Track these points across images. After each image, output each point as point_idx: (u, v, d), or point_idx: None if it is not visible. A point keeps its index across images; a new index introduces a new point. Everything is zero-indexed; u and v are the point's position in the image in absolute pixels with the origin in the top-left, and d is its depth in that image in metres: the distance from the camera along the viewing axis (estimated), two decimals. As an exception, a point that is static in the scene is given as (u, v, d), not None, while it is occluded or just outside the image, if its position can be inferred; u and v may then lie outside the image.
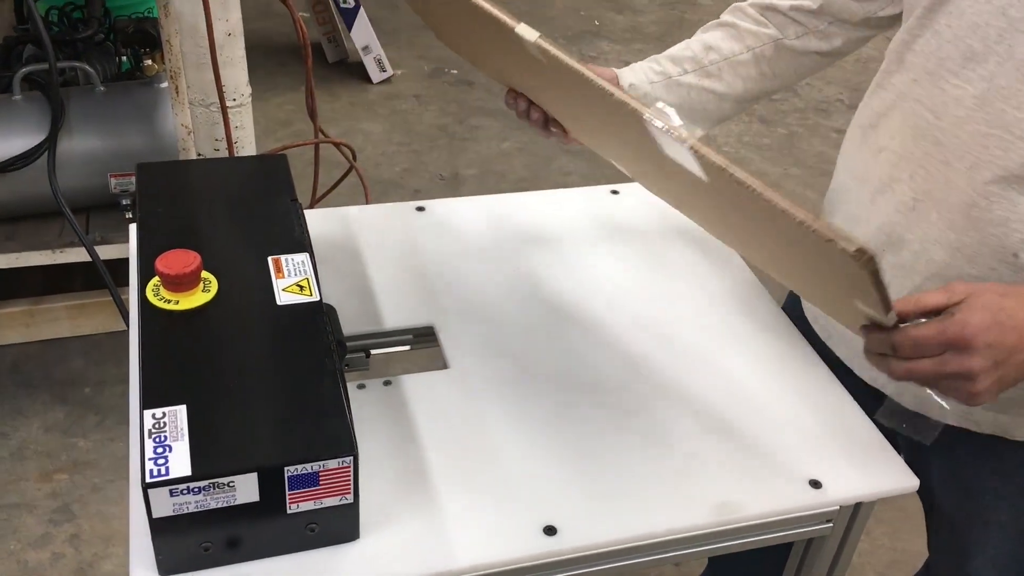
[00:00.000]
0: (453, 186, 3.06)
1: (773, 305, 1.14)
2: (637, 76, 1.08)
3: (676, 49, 1.10)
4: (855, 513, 0.92)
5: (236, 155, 1.69)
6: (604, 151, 0.98)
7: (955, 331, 0.71)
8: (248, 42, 1.63)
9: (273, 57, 3.56)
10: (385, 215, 1.26)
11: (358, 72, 3.52)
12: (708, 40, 1.09)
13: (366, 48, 3.38)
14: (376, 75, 3.46)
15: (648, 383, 1.00)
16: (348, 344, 1.04)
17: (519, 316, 1.08)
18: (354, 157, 2.13)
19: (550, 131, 1.03)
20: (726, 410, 0.97)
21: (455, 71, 3.68)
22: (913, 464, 1.07)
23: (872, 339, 0.76)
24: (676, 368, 1.03)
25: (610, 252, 1.21)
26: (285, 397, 0.78)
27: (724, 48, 1.08)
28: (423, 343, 1.08)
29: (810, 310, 1.11)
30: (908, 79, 0.90)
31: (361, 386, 0.96)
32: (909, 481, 0.92)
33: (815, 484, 0.89)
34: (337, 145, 2.07)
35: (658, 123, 0.67)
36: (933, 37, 0.87)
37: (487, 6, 0.74)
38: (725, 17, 1.11)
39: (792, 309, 1.14)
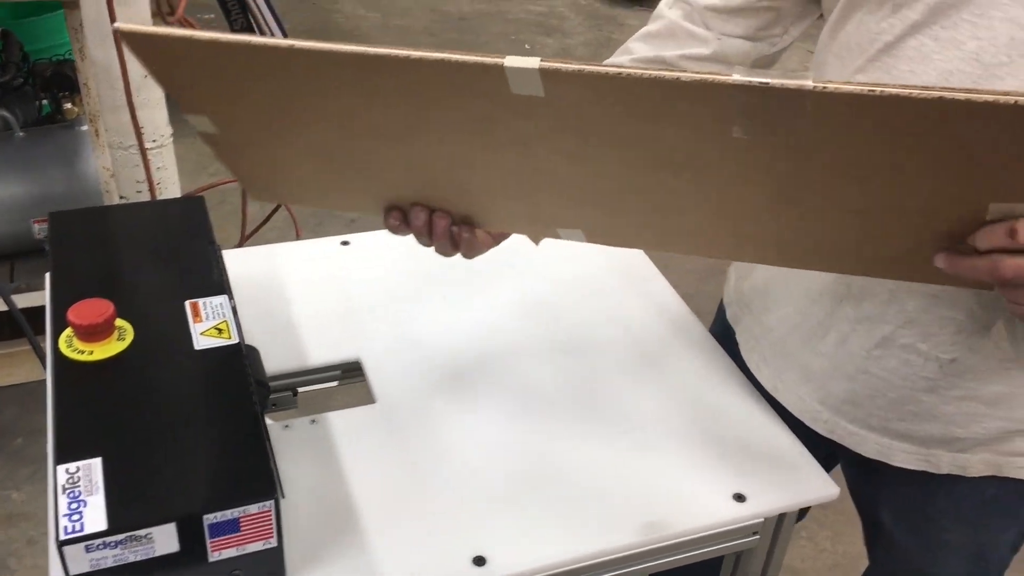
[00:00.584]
0: (389, 215, 3.05)
1: (697, 325, 1.16)
2: None
3: None
4: (780, 524, 0.94)
5: (159, 196, 1.67)
6: (572, 216, 0.83)
7: None
8: None
9: (202, 93, 3.53)
10: (310, 251, 1.26)
11: (289, 105, 3.50)
12: None
13: (296, 81, 3.37)
14: (307, 107, 3.44)
15: (572, 408, 1.01)
16: (274, 383, 1.04)
17: (446, 346, 1.09)
18: (284, 192, 2.12)
19: (457, 242, 0.87)
20: (650, 430, 0.99)
21: (387, 100, 3.68)
22: (858, 487, 1.09)
23: (993, 233, 0.66)
24: (601, 391, 1.04)
25: (535, 278, 1.22)
26: (203, 443, 0.78)
27: None
28: (351, 378, 1.08)
29: (753, 359, 1.07)
30: None
31: (286, 426, 0.96)
32: (829, 490, 0.94)
33: (739, 498, 0.91)
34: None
35: (761, 80, 0.58)
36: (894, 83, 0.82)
37: (460, 56, 0.64)
38: None
39: (724, 343, 1.13)
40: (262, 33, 3.24)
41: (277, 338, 1.08)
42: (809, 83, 0.58)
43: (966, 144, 0.59)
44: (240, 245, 2.30)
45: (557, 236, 0.86)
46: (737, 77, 0.59)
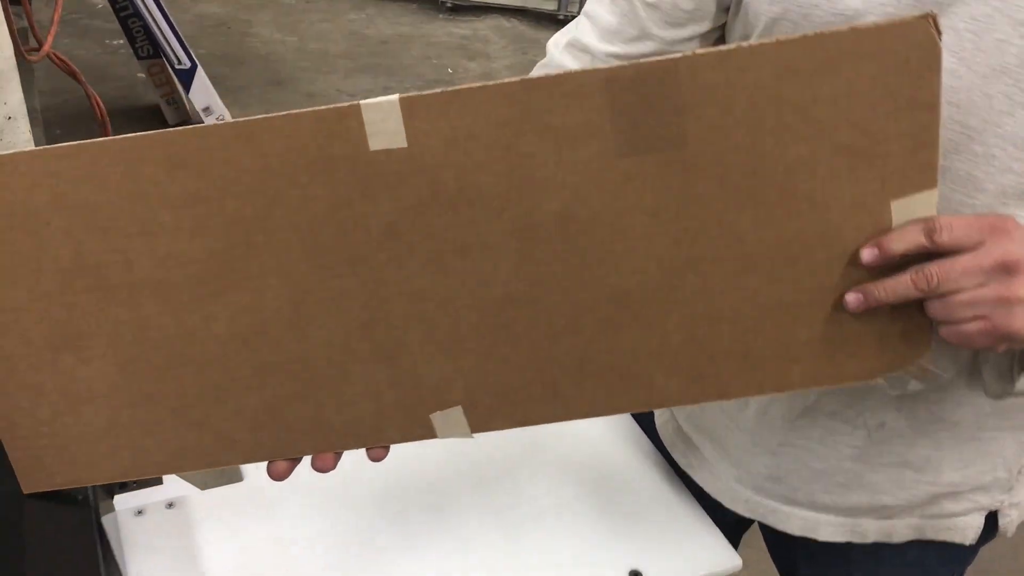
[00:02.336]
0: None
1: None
2: None
3: None
4: (680, 600, 0.88)
5: None
6: (446, 379, 0.66)
7: (1006, 257, 0.58)
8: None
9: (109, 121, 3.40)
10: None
11: (201, 133, 3.38)
12: None
13: (207, 109, 3.26)
14: (220, 136, 3.33)
15: (456, 479, 0.94)
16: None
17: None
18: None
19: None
20: (543, 501, 0.92)
21: (304, 127, 3.59)
22: (777, 552, 1.03)
23: (908, 232, 0.59)
24: (489, 459, 0.97)
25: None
26: (28, 545, 0.69)
27: None
28: (221, 450, 0.99)
29: (666, 432, 0.99)
30: None
31: (139, 512, 0.87)
32: (732, 561, 0.88)
33: (635, 575, 0.85)
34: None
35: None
36: None
37: (311, 109, 0.57)
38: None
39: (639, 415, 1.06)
40: (168, 61, 3.14)
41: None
42: (678, 54, 0.56)
43: (842, 103, 0.57)
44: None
45: (432, 431, 0.68)
46: (604, 67, 0.57)
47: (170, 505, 0.88)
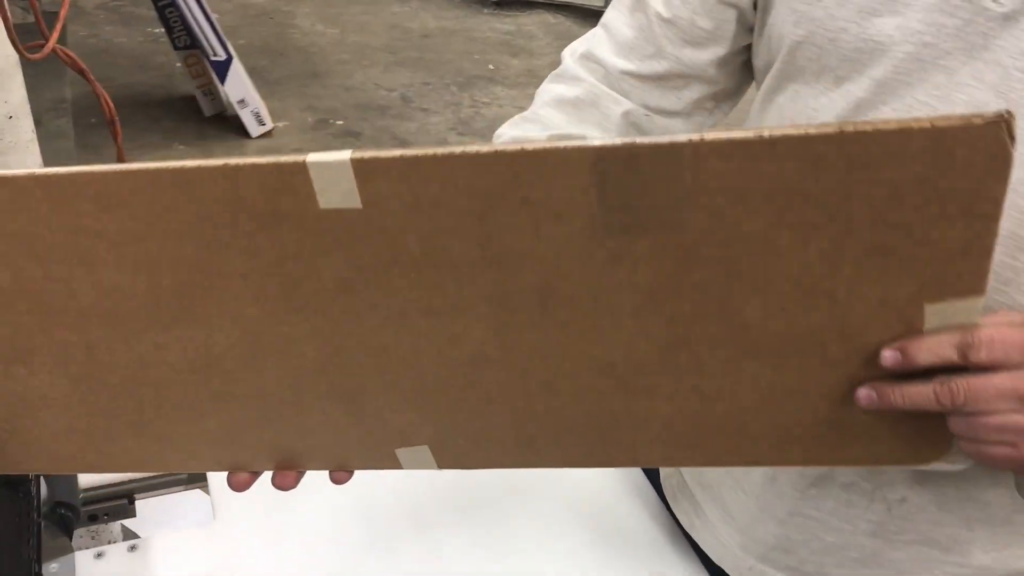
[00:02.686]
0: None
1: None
2: None
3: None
4: (679, 677, 0.81)
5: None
6: (412, 423, 0.62)
7: None
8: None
9: (144, 112, 3.39)
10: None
11: (236, 126, 3.36)
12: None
13: (242, 102, 3.24)
14: (254, 129, 3.31)
15: (444, 521, 0.87)
16: (106, 490, 0.90)
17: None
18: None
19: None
20: (535, 555, 0.85)
21: (340, 122, 3.55)
22: None
23: (938, 345, 0.53)
24: (480, 501, 0.90)
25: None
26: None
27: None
28: (199, 483, 0.94)
29: (669, 485, 0.92)
30: None
31: (99, 555, 0.82)
32: (737, 637, 0.80)
33: (629, 649, 0.78)
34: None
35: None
36: None
37: (255, 160, 0.50)
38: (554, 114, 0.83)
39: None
40: (204, 52, 3.11)
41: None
42: (683, 137, 0.47)
43: (879, 204, 0.48)
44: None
45: (396, 463, 0.64)
46: (596, 142, 0.48)
47: (132, 548, 0.82)
